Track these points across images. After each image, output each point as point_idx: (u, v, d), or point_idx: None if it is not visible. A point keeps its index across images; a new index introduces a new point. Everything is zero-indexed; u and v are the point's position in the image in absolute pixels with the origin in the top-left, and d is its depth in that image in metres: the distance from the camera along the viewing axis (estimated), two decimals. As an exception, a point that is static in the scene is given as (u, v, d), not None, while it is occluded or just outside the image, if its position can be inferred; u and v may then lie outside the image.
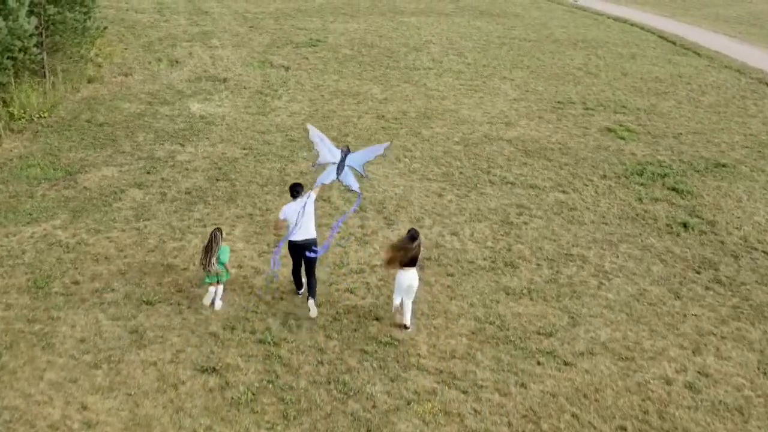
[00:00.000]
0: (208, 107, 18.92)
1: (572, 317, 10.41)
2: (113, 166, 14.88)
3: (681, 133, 18.41)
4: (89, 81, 20.61)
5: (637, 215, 13.75)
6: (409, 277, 9.41)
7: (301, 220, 9.54)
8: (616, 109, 20.46)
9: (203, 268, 9.74)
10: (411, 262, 9.39)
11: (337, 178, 9.96)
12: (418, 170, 15.32)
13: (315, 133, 10.36)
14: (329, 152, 10.11)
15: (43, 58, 18.71)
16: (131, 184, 14.05)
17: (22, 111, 17.20)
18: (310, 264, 9.84)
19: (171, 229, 12.34)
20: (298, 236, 9.66)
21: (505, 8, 36.54)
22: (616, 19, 35.53)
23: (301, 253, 9.77)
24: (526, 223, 13.22)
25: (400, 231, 12.14)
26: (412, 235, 9.44)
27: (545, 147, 17.09)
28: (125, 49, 24.71)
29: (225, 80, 21.51)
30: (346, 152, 10.14)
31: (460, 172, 15.30)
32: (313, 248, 9.75)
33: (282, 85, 21.30)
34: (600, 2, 41.01)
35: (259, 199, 13.63)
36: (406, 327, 9.70)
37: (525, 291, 11.01)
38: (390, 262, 9.43)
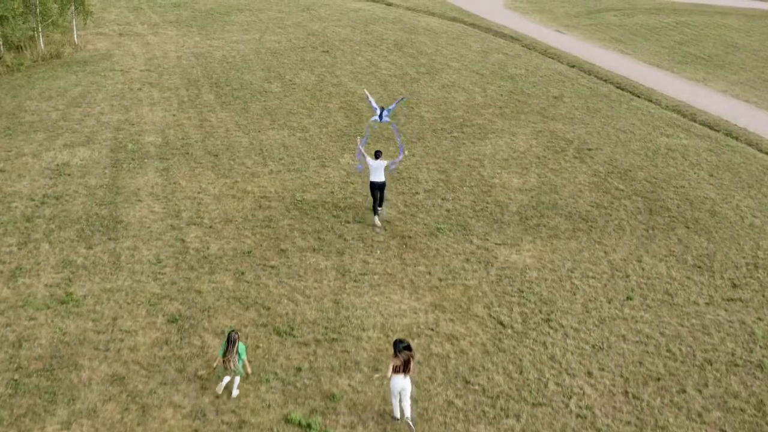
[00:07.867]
0: None
1: None
2: None
3: None
4: None
5: None
6: (401, 382, 10.93)
7: (377, 170, 17.08)
8: None
9: (224, 366, 11.19)
10: (403, 368, 10.92)
11: (380, 119, 18.48)
12: None
13: (368, 95, 19.82)
14: (374, 105, 18.82)
15: None
16: None
17: None
18: (383, 194, 17.36)
19: None
20: (375, 179, 17.06)
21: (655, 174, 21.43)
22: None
23: (376, 188, 17.14)
24: None
25: None
26: (406, 346, 11.05)
27: None
28: None
29: None
30: (382, 109, 18.47)
31: None
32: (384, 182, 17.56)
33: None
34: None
35: None
36: (409, 426, 11.00)
37: None
38: (394, 371, 11.09)
